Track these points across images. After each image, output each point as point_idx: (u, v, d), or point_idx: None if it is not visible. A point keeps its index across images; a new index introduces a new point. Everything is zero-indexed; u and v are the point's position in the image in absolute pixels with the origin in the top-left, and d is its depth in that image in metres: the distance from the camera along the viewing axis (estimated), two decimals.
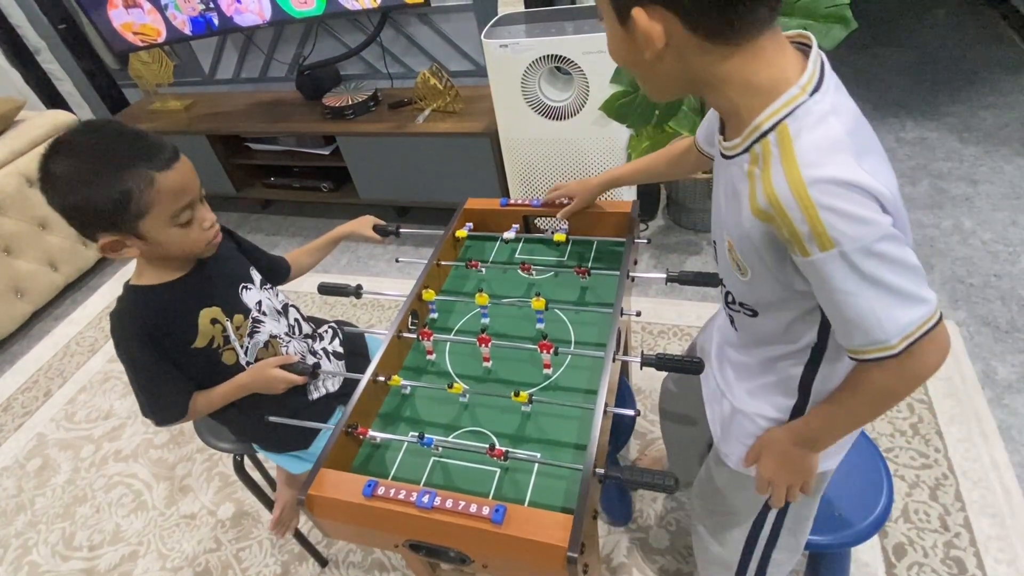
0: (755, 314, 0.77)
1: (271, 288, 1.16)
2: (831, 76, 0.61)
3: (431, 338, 1.03)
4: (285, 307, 1.16)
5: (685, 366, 0.88)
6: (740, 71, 0.61)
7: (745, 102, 0.62)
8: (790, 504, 0.87)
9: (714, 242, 0.81)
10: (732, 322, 0.84)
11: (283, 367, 1.05)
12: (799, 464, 0.80)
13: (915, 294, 0.60)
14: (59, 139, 0.88)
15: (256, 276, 1.13)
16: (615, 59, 0.68)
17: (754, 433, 0.84)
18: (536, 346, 0.97)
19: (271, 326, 1.10)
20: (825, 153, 0.57)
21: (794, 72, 0.60)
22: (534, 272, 1.17)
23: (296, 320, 1.18)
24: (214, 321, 1.02)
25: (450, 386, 0.94)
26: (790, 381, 0.79)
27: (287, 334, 1.13)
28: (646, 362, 0.91)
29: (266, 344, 1.10)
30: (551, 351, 0.96)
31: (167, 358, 1.00)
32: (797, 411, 0.80)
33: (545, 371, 1.00)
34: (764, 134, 0.61)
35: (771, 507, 0.88)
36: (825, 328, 0.72)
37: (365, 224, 1.29)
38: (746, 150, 0.64)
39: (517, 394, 0.90)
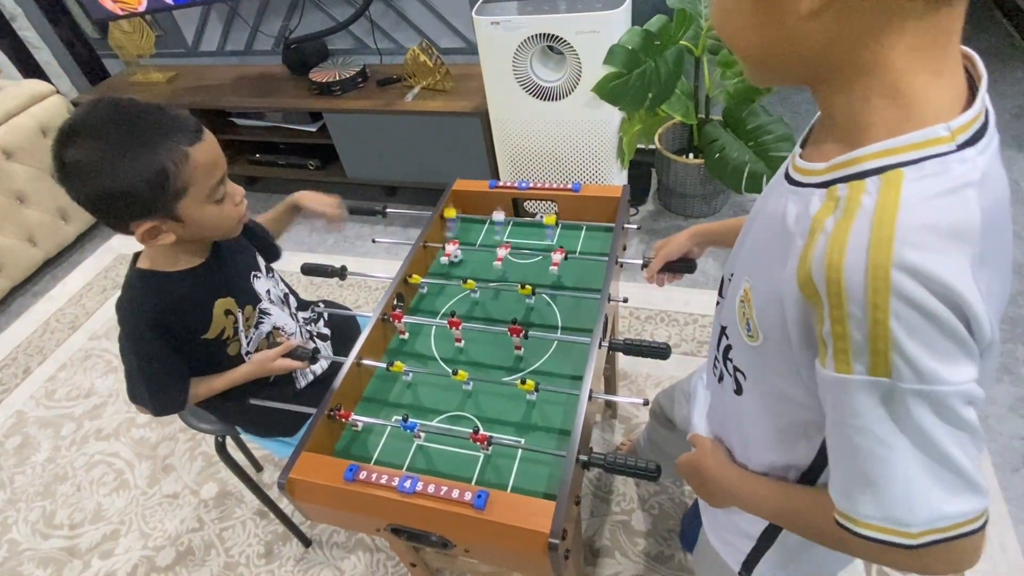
0: (739, 391, 0.61)
1: (274, 276, 1.13)
2: (994, 131, 0.43)
3: (401, 320, 1.02)
4: (286, 295, 1.14)
5: (650, 351, 0.89)
6: (905, 55, 0.41)
7: (869, 110, 0.43)
8: None
9: (730, 276, 0.64)
10: (715, 365, 0.69)
11: (284, 354, 1.03)
12: (704, 483, 0.71)
13: (972, 479, 0.43)
14: (72, 122, 0.79)
15: (262, 263, 1.10)
16: (727, 29, 0.47)
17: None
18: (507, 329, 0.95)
19: (276, 316, 1.08)
20: (941, 240, 0.39)
21: (952, 101, 0.42)
22: (510, 252, 1.14)
23: (295, 309, 1.16)
24: (228, 312, 0.99)
25: (455, 372, 0.93)
26: (754, 521, 0.66)
27: (287, 325, 1.11)
28: (613, 347, 0.92)
29: (268, 335, 1.08)
30: (520, 335, 0.95)
31: (174, 347, 0.96)
32: (753, 557, 0.70)
33: (516, 353, 0.99)
34: (863, 174, 0.42)
35: None
36: (824, 456, 0.54)
37: (316, 199, 1.20)
38: (825, 184, 0.45)
39: (524, 382, 0.89)
